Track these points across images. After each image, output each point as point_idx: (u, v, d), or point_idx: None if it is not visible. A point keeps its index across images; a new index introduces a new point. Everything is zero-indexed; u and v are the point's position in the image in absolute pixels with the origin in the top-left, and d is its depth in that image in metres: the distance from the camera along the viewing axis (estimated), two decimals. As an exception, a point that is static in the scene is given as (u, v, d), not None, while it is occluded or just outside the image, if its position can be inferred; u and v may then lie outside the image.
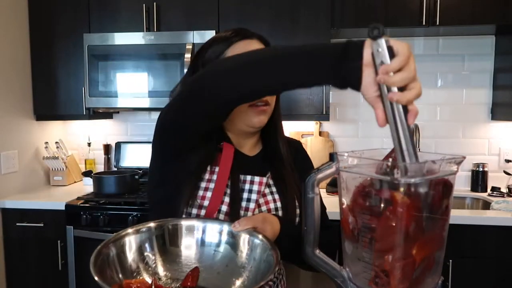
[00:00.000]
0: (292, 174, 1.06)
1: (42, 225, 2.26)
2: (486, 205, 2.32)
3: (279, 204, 1.01)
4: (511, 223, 1.95)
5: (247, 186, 0.99)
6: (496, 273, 1.99)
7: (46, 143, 2.64)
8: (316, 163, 0.88)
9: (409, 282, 0.63)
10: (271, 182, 1.03)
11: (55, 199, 2.31)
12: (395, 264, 0.62)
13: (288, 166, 1.06)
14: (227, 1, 2.33)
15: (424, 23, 2.20)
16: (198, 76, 0.84)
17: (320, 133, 2.66)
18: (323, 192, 2.37)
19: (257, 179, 1.00)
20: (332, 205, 1.09)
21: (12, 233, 2.30)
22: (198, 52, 1.03)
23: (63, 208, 2.22)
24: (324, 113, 2.32)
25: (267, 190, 1.02)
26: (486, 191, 2.46)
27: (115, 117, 2.87)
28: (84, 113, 2.48)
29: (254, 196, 0.98)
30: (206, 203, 0.93)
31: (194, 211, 0.94)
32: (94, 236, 2.16)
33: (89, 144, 2.84)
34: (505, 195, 2.36)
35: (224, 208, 0.94)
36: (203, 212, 0.93)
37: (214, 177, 0.96)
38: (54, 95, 2.53)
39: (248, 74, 0.75)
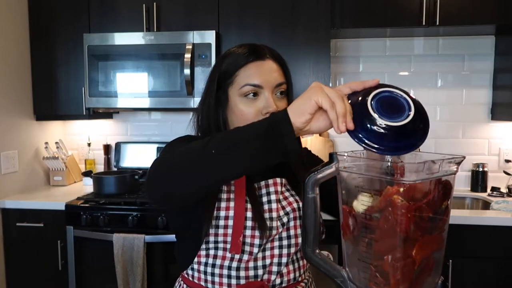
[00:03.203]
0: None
1: (42, 225, 2.26)
2: (486, 205, 2.31)
3: (301, 204, 1.04)
4: (511, 223, 1.95)
5: (264, 191, 1.03)
6: (496, 273, 1.99)
7: (46, 143, 2.64)
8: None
9: (409, 282, 0.63)
10: (288, 187, 1.07)
11: (55, 199, 2.30)
12: (394, 265, 0.62)
13: (301, 170, 1.07)
14: (227, 1, 2.33)
15: (424, 23, 2.20)
16: (151, 177, 0.85)
17: (320, 133, 2.66)
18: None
19: (270, 181, 1.03)
20: (332, 205, 1.10)
21: (12, 233, 2.30)
22: (214, 65, 1.05)
23: (63, 208, 2.22)
24: (324, 113, 2.31)
25: (287, 193, 1.05)
26: (486, 191, 2.46)
27: (115, 117, 2.87)
28: (84, 113, 2.48)
29: (273, 197, 1.02)
30: (231, 213, 0.97)
31: (221, 223, 0.96)
32: (94, 236, 2.15)
33: (89, 144, 2.84)
34: (505, 195, 2.36)
35: (249, 214, 0.97)
36: (230, 222, 0.96)
37: (232, 188, 0.99)
38: (54, 95, 2.53)
39: (196, 173, 0.80)
